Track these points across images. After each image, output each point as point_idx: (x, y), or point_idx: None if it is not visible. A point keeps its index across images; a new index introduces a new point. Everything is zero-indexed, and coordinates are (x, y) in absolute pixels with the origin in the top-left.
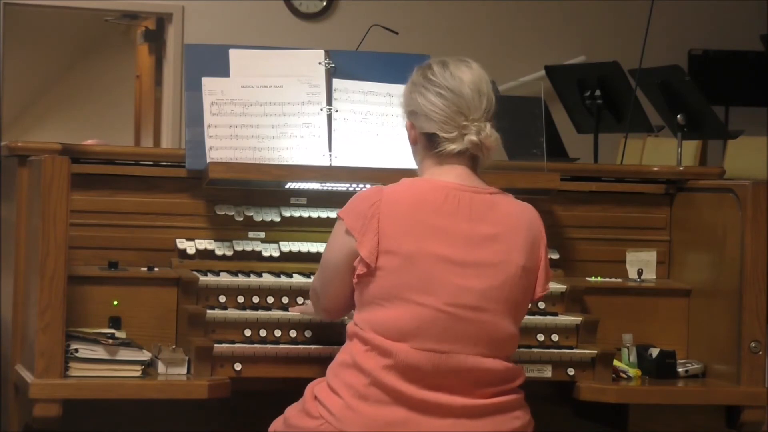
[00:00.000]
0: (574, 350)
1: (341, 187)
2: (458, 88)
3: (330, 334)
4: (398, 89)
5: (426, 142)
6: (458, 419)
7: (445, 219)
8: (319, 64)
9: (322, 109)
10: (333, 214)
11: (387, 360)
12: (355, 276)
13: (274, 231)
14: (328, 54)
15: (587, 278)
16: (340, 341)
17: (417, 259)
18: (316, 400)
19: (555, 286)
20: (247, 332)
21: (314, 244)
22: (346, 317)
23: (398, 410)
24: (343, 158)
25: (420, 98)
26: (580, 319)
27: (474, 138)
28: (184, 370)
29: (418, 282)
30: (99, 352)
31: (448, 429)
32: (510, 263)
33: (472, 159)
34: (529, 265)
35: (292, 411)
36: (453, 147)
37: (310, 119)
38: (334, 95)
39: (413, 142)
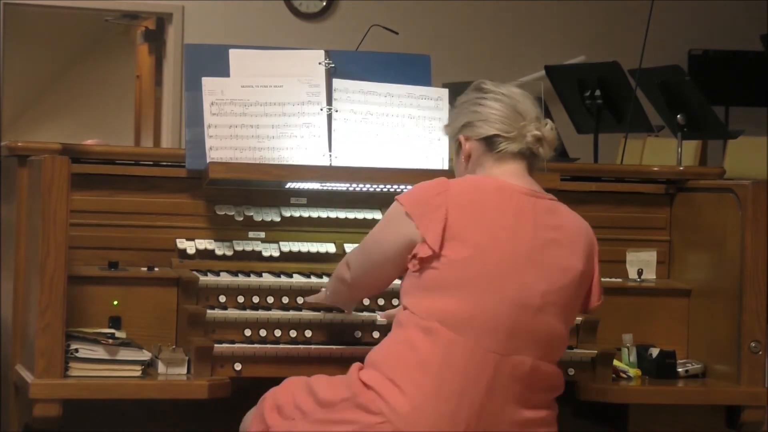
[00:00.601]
0: (574, 350)
1: (341, 187)
2: (513, 95)
3: (330, 334)
4: (398, 89)
5: (485, 147)
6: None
7: (511, 219)
8: (319, 64)
9: (322, 109)
10: (333, 214)
11: (451, 355)
12: (417, 260)
13: (274, 231)
14: (328, 54)
15: None
16: (340, 341)
17: (487, 252)
18: (370, 389)
19: None
20: (247, 332)
21: (314, 244)
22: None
23: (460, 415)
24: (343, 158)
25: (476, 107)
26: (580, 319)
27: (536, 132)
28: (184, 370)
29: (487, 275)
30: (99, 352)
31: None
32: (571, 267)
33: (529, 161)
34: (586, 271)
35: (332, 394)
36: (513, 147)
37: (310, 119)
38: (334, 95)
39: (466, 157)
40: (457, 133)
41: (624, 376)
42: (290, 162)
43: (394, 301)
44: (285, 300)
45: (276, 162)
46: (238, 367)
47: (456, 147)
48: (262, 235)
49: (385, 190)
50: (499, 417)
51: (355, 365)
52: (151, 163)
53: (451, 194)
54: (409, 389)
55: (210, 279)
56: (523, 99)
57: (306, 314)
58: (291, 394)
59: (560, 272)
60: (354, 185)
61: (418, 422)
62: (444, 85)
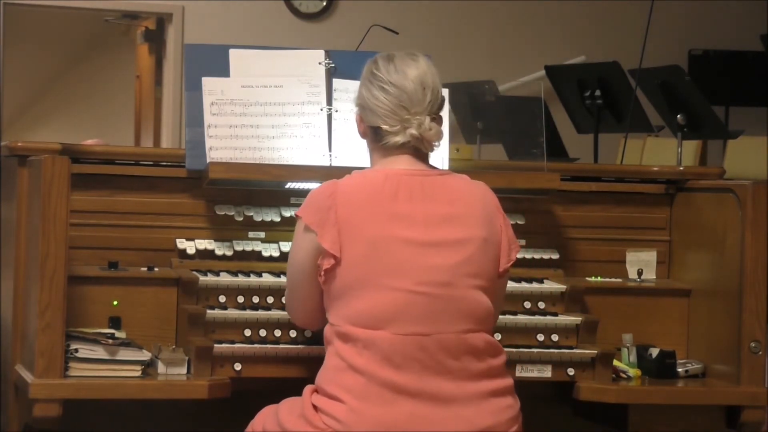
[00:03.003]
0: (574, 350)
1: None
2: (401, 83)
3: None
4: None
5: (372, 135)
6: (458, 409)
7: (402, 204)
8: (319, 64)
9: (322, 109)
10: None
11: (373, 351)
12: (322, 272)
13: (274, 231)
14: (328, 54)
15: (587, 278)
16: None
17: (381, 245)
18: (318, 411)
19: (555, 286)
20: (247, 332)
21: None
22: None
23: (402, 406)
24: (343, 158)
25: (365, 92)
26: (580, 319)
27: (414, 132)
28: (184, 370)
29: (387, 266)
30: (99, 352)
31: (451, 423)
32: (471, 238)
33: (416, 149)
34: (490, 237)
35: (288, 415)
36: (397, 139)
37: (310, 119)
38: (334, 95)
39: (362, 134)
40: (357, 109)
41: (624, 376)
42: (290, 162)
43: None
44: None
45: (276, 162)
46: (238, 367)
47: (356, 119)
48: (262, 235)
49: None
50: (441, 393)
51: (308, 387)
52: (151, 163)
53: (340, 193)
54: (344, 395)
55: (210, 279)
56: (414, 86)
57: None
58: (262, 422)
59: (461, 245)
60: None
61: (358, 422)
62: (444, 85)
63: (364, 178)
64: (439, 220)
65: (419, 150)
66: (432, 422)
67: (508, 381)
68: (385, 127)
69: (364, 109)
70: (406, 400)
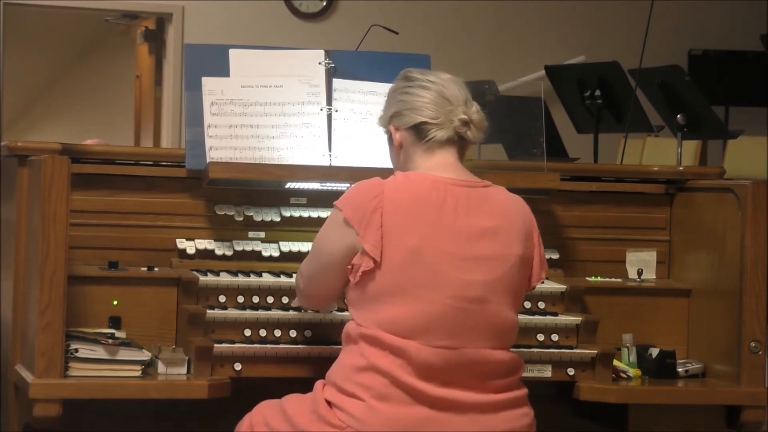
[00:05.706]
0: (574, 350)
1: (341, 187)
2: (440, 81)
3: (330, 333)
4: None
5: (414, 135)
6: (474, 415)
7: (445, 215)
8: (319, 64)
9: (322, 109)
10: None
11: (400, 359)
12: (359, 273)
13: (274, 231)
14: (328, 54)
15: (587, 278)
16: (340, 341)
17: (422, 254)
18: (333, 407)
19: (555, 286)
20: (247, 332)
21: None
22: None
23: (419, 409)
24: (343, 158)
25: (404, 96)
26: (580, 319)
27: (463, 116)
28: (184, 370)
29: (424, 277)
30: (99, 352)
31: (466, 426)
32: (509, 255)
33: (458, 147)
34: (525, 254)
35: (299, 412)
36: (441, 134)
37: (310, 119)
38: (334, 95)
39: (398, 147)
40: (387, 123)
41: (624, 376)
42: (290, 162)
43: None
44: (285, 300)
45: (276, 162)
46: (238, 367)
47: (388, 137)
48: (262, 235)
49: None
50: (458, 404)
51: (319, 383)
52: (151, 163)
53: (386, 196)
54: (362, 393)
55: (210, 279)
56: (451, 84)
57: (306, 314)
58: (263, 414)
59: (499, 261)
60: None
61: (375, 420)
62: None
63: (410, 184)
64: (480, 234)
65: (462, 147)
66: (448, 425)
67: (523, 391)
68: (429, 120)
69: (400, 115)
70: (423, 404)
